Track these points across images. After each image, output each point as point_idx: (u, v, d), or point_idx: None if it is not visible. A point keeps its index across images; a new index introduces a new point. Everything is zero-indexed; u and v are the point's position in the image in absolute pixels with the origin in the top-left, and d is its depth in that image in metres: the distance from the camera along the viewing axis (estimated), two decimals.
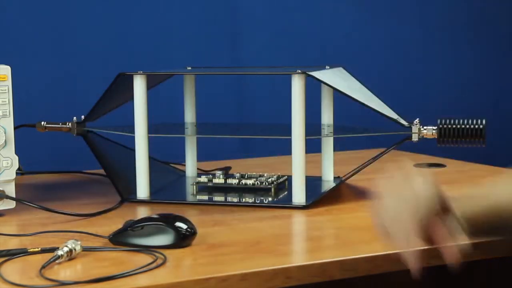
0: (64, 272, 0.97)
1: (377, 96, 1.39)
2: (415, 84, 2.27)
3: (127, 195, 1.36)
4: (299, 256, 1.12)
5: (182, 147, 1.55)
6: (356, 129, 1.43)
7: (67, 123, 1.42)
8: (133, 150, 1.36)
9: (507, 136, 2.31)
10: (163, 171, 1.53)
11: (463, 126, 1.31)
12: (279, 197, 1.36)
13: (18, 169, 1.27)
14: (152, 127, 1.37)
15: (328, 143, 1.46)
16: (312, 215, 1.26)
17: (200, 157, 1.57)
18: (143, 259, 1.01)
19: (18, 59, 1.38)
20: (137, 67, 1.38)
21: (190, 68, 1.55)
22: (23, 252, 1.03)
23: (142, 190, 1.36)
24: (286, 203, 1.31)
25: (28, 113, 1.48)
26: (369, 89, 1.42)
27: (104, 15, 1.93)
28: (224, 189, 1.41)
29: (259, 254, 1.05)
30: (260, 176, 1.41)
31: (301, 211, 1.28)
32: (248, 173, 1.43)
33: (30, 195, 1.38)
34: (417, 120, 1.33)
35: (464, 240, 0.96)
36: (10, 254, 1.03)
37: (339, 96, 1.34)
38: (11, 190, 1.26)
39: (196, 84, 1.53)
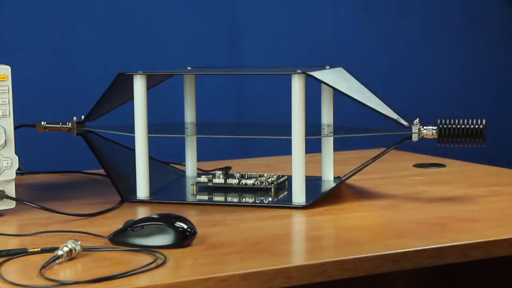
0: (64, 272, 0.97)
1: (377, 96, 1.39)
2: (415, 84, 2.27)
3: (127, 195, 1.36)
4: (299, 256, 1.12)
5: (182, 147, 1.55)
6: (356, 129, 1.43)
7: (67, 123, 1.42)
8: (133, 150, 1.36)
9: (507, 136, 2.31)
10: (163, 171, 1.53)
11: (463, 126, 1.31)
12: (279, 197, 1.36)
13: (18, 169, 1.27)
14: (152, 127, 1.37)
15: (328, 143, 1.46)
16: (312, 215, 1.26)
17: (200, 157, 1.57)
18: (143, 259, 1.01)
19: (18, 59, 1.38)
20: (137, 67, 1.38)
21: (190, 68, 1.55)
22: (23, 252, 1.03)
23: (142, 190, 1.36)
24: (286, 203, 1.31)
25: (28, 113, 1.48)
26: (369, 89, 1.42)
27: (104, 15, 1.93)
28: (224, 189, 1.41)
29: (259, 254, 1.05)
30: (260, 176, 1.41)
31: (301, 211, 1.28)
32: (248, 173, 1.43)
33: (30, 195, 1.38)
34: (417, 120, 1.33)
35: None
36: (10, 254, 1.03)
37: (339, 96, 1.34)
38: (11, 190, 1.26)
39: (196, 84, 1.53)
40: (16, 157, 1.26)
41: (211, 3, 2.04)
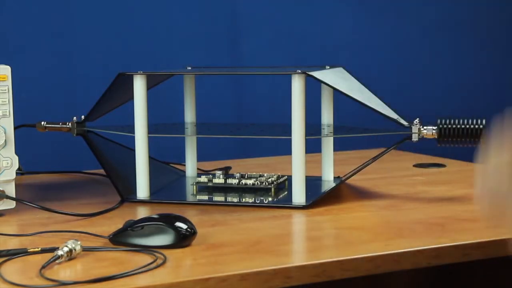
0: (64, 272, 0.97)
1: (377, 96, 1.39)
2: (415, 84, 2.27)
3: (127, 195, 1.36)
4: (299, 256, 1.12)
5: (182, 147, 1.55)
6: (356, 129, 1.43)
7: (67, 123, 1.42)
8: (133, 150, 1.36)
9: None
10: (163, 171, 1.53)
11: (463, 126, 1.31)
12: (279, 197, 1.36)
13: (18, 169, 1.27)
14: (152, 127, 1.37)
15: (328, 143, 1.46)
16: (312, 215, 1.26)
17: (200, 157, 1.57)
18: (143, 259, 1.01)
19: (18, 59, 1.38)
20: (137, 67, 1.38)
21: (190, 68, 1.55)
22: (23, 252, 1.03)
23: (142, 190, 1.36)
24: (286, 203, 1.31)
25: (28, 113, 1.48)
26: (369, 89, 1.42)
27: (104, 15, 1.93)
28: (224, 189, 1.41)
29: (259, 254, 1.05)
30: (260, 176, 1.41)
31: (301, 211, 1.28)
32: (248, 173, 1.43)
33: (30, 195, 1.38)
34: (417, 120, 1.33)
35: None
36: (10, 254, 1.03)
37: (339, 96, 1.34)
38: (11, 190, 1.26)
39: (196, 84, 1.53)
40: (16, 157, 1.26)
41: (211, 3, 2.04)
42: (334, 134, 1.42)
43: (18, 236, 1.14)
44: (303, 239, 1.20)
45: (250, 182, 1.39)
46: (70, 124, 1.41)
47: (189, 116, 1.54)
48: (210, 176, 1.42)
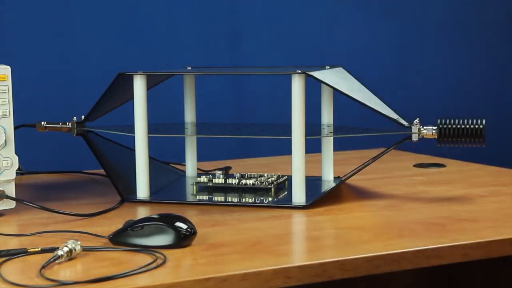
0: (64, 272, 0.97)
1: (377, 96, 1.39)
2: (415, 84, 2.27)
3: (127, 195, 1.36)
4: (299, 256, 1.12)
5: (182, 147, 1.55)
6: (356, 129, 1.43)
7: (67, 123, 1.42)
8: (133, 150, 1.36)
9: (507, 136, 2.31)
10: (163, 171, 1.53)
11: (463, 126, 1.31)
12: (279, 197, 1.36)
13: (18, 169, 1.27)
14: (152, 127, 1.37)
15: (328, 143, 1.46)
16: (312, 215, 1.26)
17: (200, 157, 1.57)
18: (143, 259, 1.01)
19: (18, 59, 1.38)
20: (137, 67, 1.38)
21: (190, 68, 1.55)
22: (23, 252, 1.03)
23: (142, 190, 1.36)
24: (286, 203, 1.31)
25: (28, 113, 1.48)
26: (369, 89, 1.42)
27: (104, 15, 1.93)
28: (224, 189, 1.41)
29: (259, 254, 1.05)
30: (260, 176, 1.41)
31: (301, 211, 1.28)
32: (248, 173, 1.43)
33: (30, 195, 1.38)
34: (417, 120, 1.33)
35: None
36: (10, 254, 1.03)
37: (339, 96, 1.34)
38: (11, 190, 1.26)
39: (196, 84, 1.53)
40: (16, 157, 1.26)
41: (211, 3, 2.04)
42: (334, 134, 1.42)
43: (18, 236, 1.14)
44: (303, 239, 1.20)
45: (250, 182, 1.39)
46: (70, 124, 1.41)
47: (189, 116, 1.54)
48: (210, 176, 1.42)
